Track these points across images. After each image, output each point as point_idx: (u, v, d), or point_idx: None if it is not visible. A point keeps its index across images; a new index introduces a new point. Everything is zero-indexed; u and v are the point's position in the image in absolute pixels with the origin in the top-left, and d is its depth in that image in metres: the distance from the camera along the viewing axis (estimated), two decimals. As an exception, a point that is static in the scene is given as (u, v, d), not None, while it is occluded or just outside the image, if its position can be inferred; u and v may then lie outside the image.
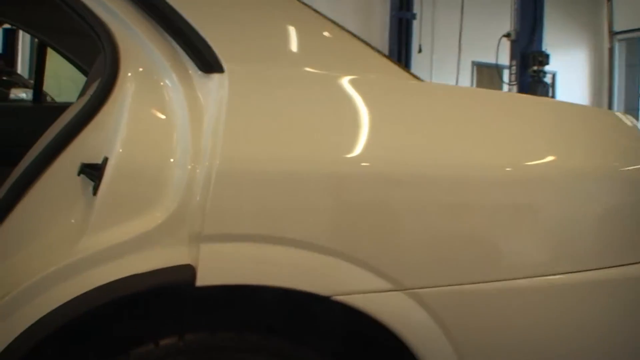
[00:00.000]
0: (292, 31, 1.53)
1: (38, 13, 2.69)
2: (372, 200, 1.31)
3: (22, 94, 6.60)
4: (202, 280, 1.24)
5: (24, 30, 3.09)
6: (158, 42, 1.35)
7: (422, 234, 1.32)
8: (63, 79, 7.85)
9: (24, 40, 10.46)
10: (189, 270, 1.24)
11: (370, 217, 1.31)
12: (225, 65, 1.33)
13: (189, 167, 1.26)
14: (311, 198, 1.29)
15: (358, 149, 1.33)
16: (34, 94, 3.07)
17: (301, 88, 1.39)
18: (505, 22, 9.87)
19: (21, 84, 7.70)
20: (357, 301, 1.28)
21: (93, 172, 1.27)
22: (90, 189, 1.28)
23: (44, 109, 2.90)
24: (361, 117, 1.38)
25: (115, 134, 1.28)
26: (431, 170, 1.34)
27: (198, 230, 1.25)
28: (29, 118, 2.82)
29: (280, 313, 1.35)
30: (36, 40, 3.09)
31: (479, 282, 1.33)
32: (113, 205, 1.26)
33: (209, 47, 1.33)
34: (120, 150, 1.27)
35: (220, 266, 1.26)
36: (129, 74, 1.33)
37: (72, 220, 1.29)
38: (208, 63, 1.33)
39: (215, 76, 1.33)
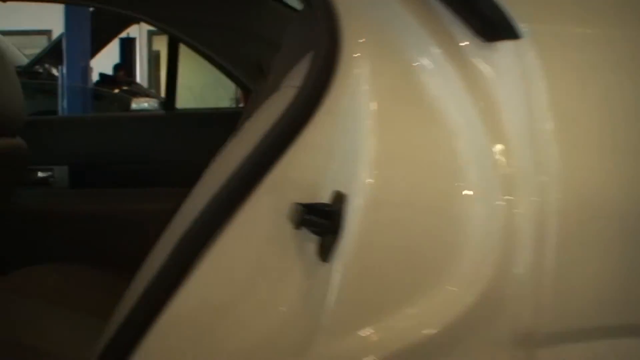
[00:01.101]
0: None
1: (171, 6, 2.35)
2: None
3: (144, 104, 6.34)
4: None
5: (155, 25, 2.69)
6: None
7: None
8: (180, 88, 7.61)
9: (141, 50, 10.34)
10: None
11: None
12: (521, 27, 0.78)
13: (498, 203, 0.72)
14: None
15: None
16: (166, 100, 2.63)
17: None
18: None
19: (142, 93, 7.54)
20: None
21: (320, 220, 0.74)
22: (315, 249, 0.75)
23: (178, 118, 2.48)
24: None
25: (353, 151, 0.76)
26: None
27: (530, 322, 0.71)
28: (159, 128, 2.41)
29: None
30: (153, 48, 2.73)
31: None
32: (365, 278, 0.73)
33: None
34: (371, 181, 0.74)
35: None
36: (357, 54, 0.80)
37: (286, 307, 0.77)
38: (492, 25, 0.79)
39: (506, 45, 0.78)
